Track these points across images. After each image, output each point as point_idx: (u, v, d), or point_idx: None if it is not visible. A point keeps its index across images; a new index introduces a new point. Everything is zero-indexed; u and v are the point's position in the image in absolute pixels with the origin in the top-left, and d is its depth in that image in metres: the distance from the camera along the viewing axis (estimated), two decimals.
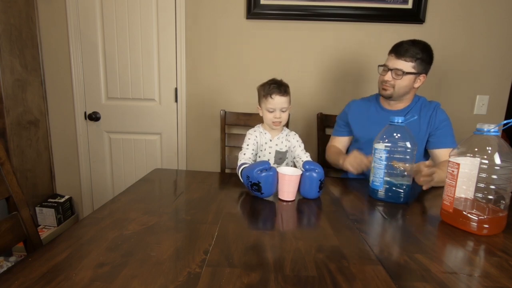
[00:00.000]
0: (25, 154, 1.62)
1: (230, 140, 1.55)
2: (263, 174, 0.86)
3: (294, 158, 1.13)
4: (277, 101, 1.03)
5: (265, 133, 1.10)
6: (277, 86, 1.03)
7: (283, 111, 1.05)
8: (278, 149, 1.10)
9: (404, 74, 1.11)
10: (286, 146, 1.11)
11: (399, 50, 1.12)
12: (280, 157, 1.12)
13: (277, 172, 0.89)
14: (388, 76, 1.14)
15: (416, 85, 1.16)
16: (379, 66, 1.21)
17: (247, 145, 1.07)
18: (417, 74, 1.13)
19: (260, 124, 1.14)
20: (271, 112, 1.04)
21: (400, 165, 0.87)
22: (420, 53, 1.11)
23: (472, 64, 1.63)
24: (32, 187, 1.68)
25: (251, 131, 1.11)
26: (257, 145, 1.10)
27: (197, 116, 1.75)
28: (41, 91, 1.71)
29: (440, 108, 1.19)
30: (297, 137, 1.13)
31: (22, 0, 1.56)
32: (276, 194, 0.92)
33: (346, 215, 0.79)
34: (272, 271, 0.53)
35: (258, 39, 1.65)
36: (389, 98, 1.19)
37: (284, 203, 0.88)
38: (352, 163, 1.11)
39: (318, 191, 0.90)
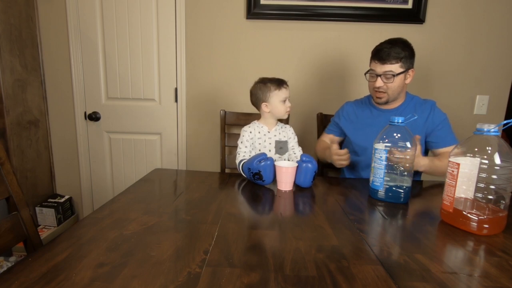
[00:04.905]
0: (25, 154, 1.62)
1: (230, 140, 1.55)
2: (262, 163, 0.97)
3: (288, 150, 1.20)
4: (287, 90, 1.13)
5: (262, 127, 1.17)
6: (281, 79, 1.13)
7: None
8: (277, 139, 1.16)
9: (395, 76, 1.11)
10: (284, 136, 1.18)
11: (381, 55, 1.11)
12: (281, 146, 1.16)
13: (274, 162, 0.99)
14: (379, 82, 1.13)
15: (407, 81, 1.15)
16: (365, 73, 1.19)
17: (241, 142, 1.15)
18: (406, 71, 1.12)
19: (256, 120, 1.20)
20: (284, 101, 1.12)
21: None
22: (402, 51, 1.10)
23: (472, 64, 1.63)
24: (32, 187, 1.68)
25: (245, 127, 1.17)
26: (254, 140, 1.15)
27: (197, 116, 1.75)
28: (41, 91, 1.71)
29: (436, 107, 1.18)
30: (292, 129, 1.21)
31: (22, 0, 1.56)
32: (275, 185, 1.01)
33: (346, 215, 0.79)
34: (272, 271, 0.53)
35: (258, 39, 1.65)
36: (385, 104, 1.19)
37: (284, 203, 0.88)
38: (339, 160, 1.14)
39: (311, 181, 1.00)
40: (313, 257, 0.58)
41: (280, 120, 1.23)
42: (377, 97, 1.17)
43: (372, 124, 1.21)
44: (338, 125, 1.34)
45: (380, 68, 1.12)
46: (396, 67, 1.10)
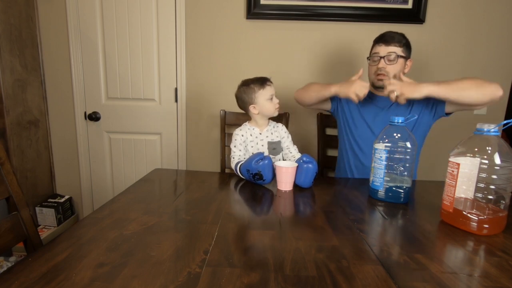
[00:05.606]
0: (25, 154, 1.62)
1: (230, 140, 1.55)
2: (261, 163, 0.96)
3: (283, 149, 1.19)
4: (271, 87, 1.12)
5: (253, 129, 1.15)
6: (263, 77, 1.12)
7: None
8: (269, 140, 1.15)
9: (398, 57, 1.15)
10: (277, 137, 1.16)
11: (385, 38, 1.17)
12: (274, 147, 1.15)
13: (272, 161, 0.98)
14: (382, 63, 1.17)
15: (406, 70, 1.20)
16: (367, 58, 1.24)
17: (234, 146, 1.13)
18: (406, 58, 1.18)
19: (247, 122, 1.19)
20: (271, 99, 1.11)
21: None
22: (403, 39, 1.17)
23: (472, 64, 1.63)
24: (32, 187, 1.68)
25: (237, 130, 1.15)
26: (246, 143, 1.14)
27: (197, 116, 1.75)
28: (41, 91, 1.71)
29: None
30: (284, 128, 1.19)
31: (22, 0, 1.56)
32: (275, 185, 1.00)
33: (346, 215, 0.79)
34: (272, 271, 0.53)
35: (258, 39, 1.65)
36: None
37: (283, 203, 0.88)
38: (363, 87, 1.12)
39: (312, 182, 1.00)
40: (313, 257, 0.58)
41: (274, 119, 1.22)
42: (378, 79, 1.20)
43: (367, 106, 1.24)
44: (340, 101, 1.32)
45: (384, 49, 1.16)
46: (399, 50, 1.16)
